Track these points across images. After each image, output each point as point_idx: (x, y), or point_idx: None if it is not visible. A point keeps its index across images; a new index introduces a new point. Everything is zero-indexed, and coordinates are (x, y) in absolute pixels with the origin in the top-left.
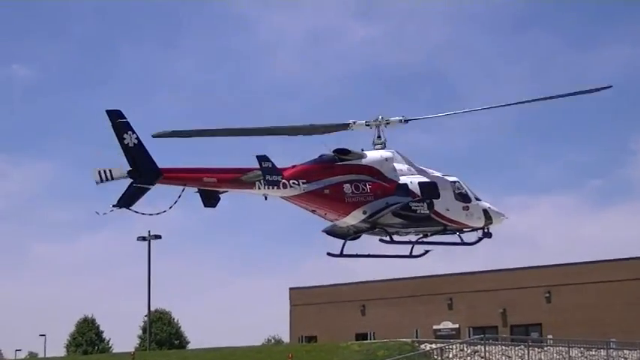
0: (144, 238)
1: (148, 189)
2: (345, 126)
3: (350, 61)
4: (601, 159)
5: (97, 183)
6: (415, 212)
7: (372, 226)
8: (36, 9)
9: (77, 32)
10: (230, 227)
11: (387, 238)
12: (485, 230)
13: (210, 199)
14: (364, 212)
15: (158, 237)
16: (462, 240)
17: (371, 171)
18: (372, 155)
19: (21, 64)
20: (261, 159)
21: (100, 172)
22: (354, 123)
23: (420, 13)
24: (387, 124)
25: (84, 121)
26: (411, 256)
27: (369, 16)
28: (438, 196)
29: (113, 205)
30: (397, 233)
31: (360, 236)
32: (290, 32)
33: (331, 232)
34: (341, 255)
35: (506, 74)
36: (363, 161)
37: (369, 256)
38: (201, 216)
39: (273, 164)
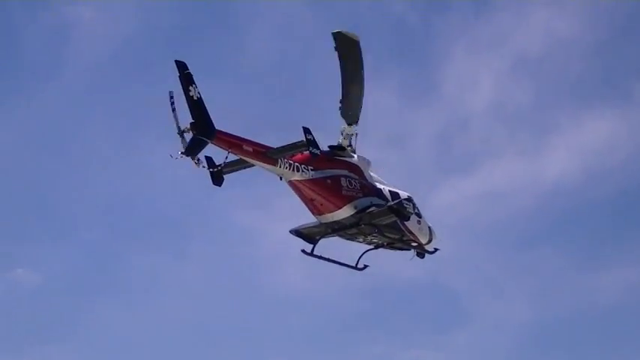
0: None
1: (207, 143)
2: None
3: None
4: None
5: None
6: (400, 214)
7: (356, 222)
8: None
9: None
10: None
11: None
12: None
13: (217, 179)
14: (355, 207)
15: None
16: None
17: (358, 171)
18: (359, 157)
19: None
20: (306, 131)
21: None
22: None
23: None
24: None
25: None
26: (355, 267)
27: None
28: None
29: (181, 153)
30: (356, 238)
31: (319, 240)
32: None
33: (298, 232)
34: (312, 254)
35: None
36: (353, 160)
37: (331, 261)
38: None
39: (314, 138)
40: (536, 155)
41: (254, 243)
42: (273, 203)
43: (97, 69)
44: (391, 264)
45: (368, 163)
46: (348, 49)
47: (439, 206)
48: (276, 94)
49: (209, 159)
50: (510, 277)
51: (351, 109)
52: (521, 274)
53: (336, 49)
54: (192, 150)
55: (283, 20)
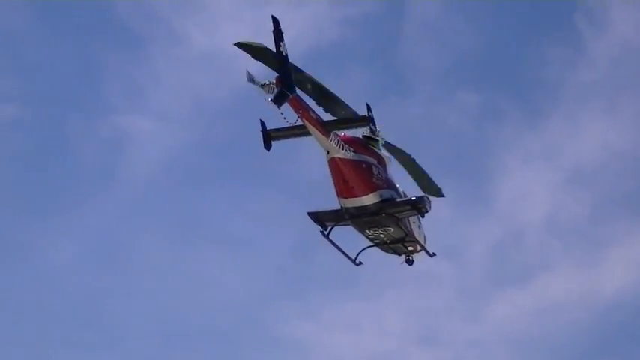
0: None
1: (288, 97)
2: None
3: None
4: None
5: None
6: (421, 211)
7: (378, 211)
8: None
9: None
10: None
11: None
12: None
13: (268, 142)
14: (380, 196)
15: None
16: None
17: (384, 164)
18: (384, 151)
19: None
20: (368, 107)
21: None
22: None
23: None
24: None
25: None
26: (354, 261)
27: None
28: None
29: (270, 100)
30: (365, 230)
31: (333, 227)
32: None
33: (316, 216)
34: (327, 237)
35: None
36: (382, 154)
37: (338, 248)
38: None
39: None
40: (592, 268)
41: (306, 355)
42: (322, 313)
43: (151, 178)
44: None
45: (390, 160)
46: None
47: (494, 319)
48: None
49: (262, 123)
50: None
51: None
52: None
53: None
54: (277, 101)
55: None
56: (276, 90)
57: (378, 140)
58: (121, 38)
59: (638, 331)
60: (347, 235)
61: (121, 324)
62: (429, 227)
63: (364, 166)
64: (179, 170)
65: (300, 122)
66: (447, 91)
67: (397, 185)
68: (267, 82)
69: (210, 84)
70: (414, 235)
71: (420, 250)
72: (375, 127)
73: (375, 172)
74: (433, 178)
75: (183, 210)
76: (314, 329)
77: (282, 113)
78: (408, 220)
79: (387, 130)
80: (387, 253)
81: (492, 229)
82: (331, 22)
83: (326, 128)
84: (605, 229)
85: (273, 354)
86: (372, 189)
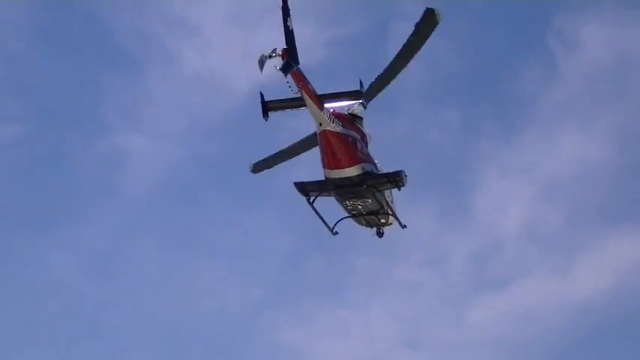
0: None
1: (293, 68)
2: None
3: None
4: None
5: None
6: (398, 184)
7: (360, 182)
8: None
9: None
10: None
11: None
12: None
13: (266, 112)
14: (362, 168)
15: None
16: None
17: (365, 140)
18: (366, 128)
19: None
20: (361, 83)
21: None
22: None
23: None
24: None
25: None
26: (331, 230)
27: None
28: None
29: (279, 68)
30: (345, 201)
31: (316, 197)
32: None
33: (300, 185)
34: (311, 205)
35: None
36: (365, 130)
37: (320, 217)
38: None
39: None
40: (566, 274)
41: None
42: (314, 320)
43: (147, 194)
44: None
45: (370, 137)
46: (426, 28)
47: (474, 324)
48: None
49: (262, 95)
50: None
51: (372, 92)
52: None
53: (419, 24)
54: (284, 70)
55: None
56: (283, 61)
57: (362, 118)
58: (118, 60)
59: (609, 333)
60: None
61: (119, 333)
62: (412, 238)
63: (350, 139)
64: (174, 185)
65: (298, 95)
66: (430, 109)
67: (375, 161)
68: (275, 53)
69: (203, 103)
70: (388, 207)
71: (392, 223)
72: (366, 101)
73: (359, 147)
74: (418, 191)
75: (178, 223)
76: (306, 335)
77: (287, 82)
78: (384, 193)
79: (374, 145)
80: (360, 225)
81: (472, 239)
82: (317, 43)
83: (321, 102)
84: (578, 237)
85: None
86: (356, 161)
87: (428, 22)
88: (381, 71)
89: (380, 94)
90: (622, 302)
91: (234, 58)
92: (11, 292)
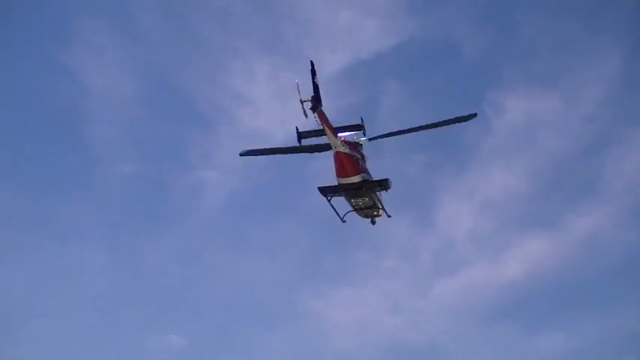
0: None
1: (318, 108)
2: None
3: None
4: None
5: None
6: (385, 188)
7: (360, 186)
8: None
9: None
10: None
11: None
12: (388, 214)
13: (299, 140)
14: (362, 177)
15: None
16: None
17: (364, 158)
18: (364, 150)
19: None
20: (362, 119)
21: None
22: None
23: None
24: None
25: None
26: (342, 219)
27: None
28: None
29: (310, 108)
30: (351, 199)
31: (332, 196)
32: None
33: (322, 188)
34: (329, 201)
35: None
36: (363, 152)
37: (333, 208)
38: None
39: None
40: (497, 263)
41: (319, 321)
42: (328, 295)
43: (218, 210)
44: None
45: (368, 157)
46: None
47: (435, 297)
48: None
49: (297, 129)
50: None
51: (378, 137)
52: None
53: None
54: (313, 110)
55: None
56: (311, 104)
57: (362, 144)
58: (199, 121)
59: (525, 302)
60: (338, 204)
61: (199, 303)
62: (393, 239)
63: (354, 158)
64: (236, 204)
65: (320, 127)
66: (406, 154)
67: (370, 172)
68: (306, 98)
69: None
70: (379, 203)
71: (381, 214)
72: (365, 132)
73: (360, 163)
74: (398, 208)
75: (238, 229)
76: (323, 305)
77: (310, 115)
78: (376, 194)
79: (370, 164)
80: (360, 217)
81: (434, 240)
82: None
83: (336, 132)
84: (505, 238)
85: (298, 321)
86: (358, 172)
87: None
88: (388, 132)
89: (382, 140)
90: (534, 281)
91: (275, 119)
92: (133, 275)
